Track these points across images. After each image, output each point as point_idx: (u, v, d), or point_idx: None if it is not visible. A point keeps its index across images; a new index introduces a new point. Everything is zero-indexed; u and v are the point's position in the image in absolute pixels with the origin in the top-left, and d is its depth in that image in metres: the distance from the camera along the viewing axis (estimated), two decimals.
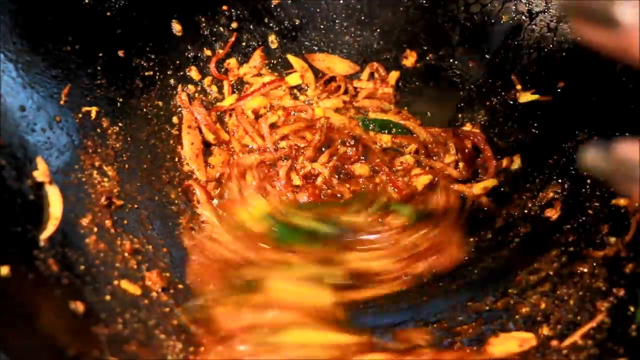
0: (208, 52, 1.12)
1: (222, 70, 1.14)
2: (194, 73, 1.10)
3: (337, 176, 1.07)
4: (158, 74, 1.06)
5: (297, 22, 1.17)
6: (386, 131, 1.12)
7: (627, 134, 0.94)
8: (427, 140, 1.11)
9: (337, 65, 1.18)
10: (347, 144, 1.09)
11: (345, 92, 1.18)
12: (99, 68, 0.97)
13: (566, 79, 1.06)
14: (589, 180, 0.99)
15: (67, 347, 0.67)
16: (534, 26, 1.09)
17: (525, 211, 1.03)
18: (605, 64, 0.98)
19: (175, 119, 1.07)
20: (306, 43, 1.19)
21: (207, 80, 1.12)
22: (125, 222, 0.91)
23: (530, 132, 1.09)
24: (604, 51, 0.38)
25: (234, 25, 1.14)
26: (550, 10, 1.07)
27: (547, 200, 1.02)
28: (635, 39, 0.37)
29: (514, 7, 1.09)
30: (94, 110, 0.94)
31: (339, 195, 1.05)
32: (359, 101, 1.17)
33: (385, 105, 1.16)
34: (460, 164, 1.11)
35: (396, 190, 1.06)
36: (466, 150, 1.11)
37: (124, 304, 0.79)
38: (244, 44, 1.15)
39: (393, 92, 1.17)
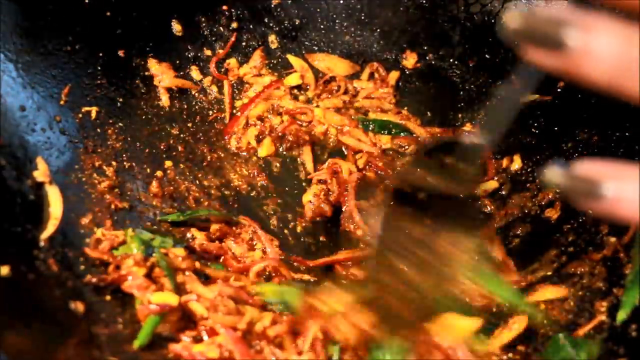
0: (208, 52, 1.12)
1: (222, 70, 1.14)
2: (194, 73, 1.11)
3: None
4: None
5: (297, 22, 1.17)
6: (386, 131, 1.12)
7: (627, 134, 0.95)
8: (427, 141, 1.11)
9: (337, 65, 1.18)
10: None
11: (346, 92, 1.18)
12: (99, 68, 0.97)
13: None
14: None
15: (67, 347, 0.67)
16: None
17: (525, 211, 1.03)
18: None
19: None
20: (306, 43, 1.19)
21: (207, 80, 1.12)
22: (126, 222, 0.91)
23: (530, 132, 1.09)
24: (556, 73, 0.40)
25: (234, 25, 1.14)
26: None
27: (547, 200, 1.02)
28: (583, 61, 0.38)
29: (514, 7, 1.09)
30: (94, 110, 0.94)
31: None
32: (359, 101, 1.17)
33: (385, 105, 1.16)
34: None
35: None
36: None
37: (124, 304, 0.79)
38: (244, 44, 1.15)
39: (393, 92, 1.17)
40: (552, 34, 0.39)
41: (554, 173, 0.42)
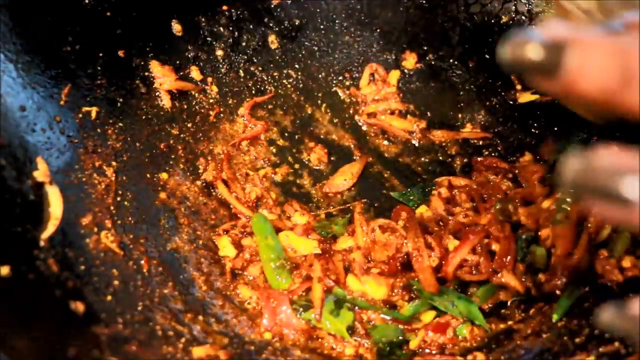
0: (209, 52, 1.12)
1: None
2: (194, 73, 1.10)
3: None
4: None
5: (297, 22, 1.17)
6: None
7: (627, 134, 0.95)
8: None
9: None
10: None
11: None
12: (99, 68, 0.97)
13: None
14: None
15: (67, 347, 0.67)
16: (533, 26, 1.09)
17: None
18: None
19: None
20: (306, 43, 1.19)
21: (208, 80, 1.12)
22: (126, 222, 0.91)
23: (530, 132, 1.09)
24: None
25: (234, 25, 1.14)
26: (551, 11, 1.07)
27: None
28: None
29: (513, 7, 1.10)
30: (94, 110, 0.94)
31: None
32: (369, 105, 1.16)
33: (392, 104, 1.16)
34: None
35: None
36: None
37: (124, 304, 0.79)
38: (244, 44, 1.15)
39: (396, 90, 1.17)
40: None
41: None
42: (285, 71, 1.18)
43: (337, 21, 1.18)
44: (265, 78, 1.17)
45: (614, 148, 0.36)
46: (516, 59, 0.37)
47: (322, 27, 1.18)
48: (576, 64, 0.35)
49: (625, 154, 0.35)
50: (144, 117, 1.03)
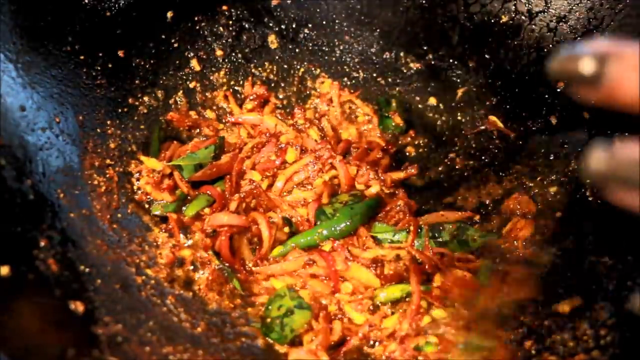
0: (209, 52, 1.13)
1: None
2: (194, 63, 1.10)
3: None
4: (158, 74, 1.06)
5: (297, 22, 1.17)
6: None
7: (626, 134, 0.95)
8: None
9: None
10: None
11: None
12: (99, 68, 0.97)
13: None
14: (588, 180, 0.99)
15: (67, 347, 0.67)
16: (533, 26, 1.09)
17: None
18: None
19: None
20: (306, 43, 1.19)
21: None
22: (125, 221, 0.91)
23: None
24: None
25: (234, 25, 1.14)
26: (550, 10, 1.07)
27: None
28: None
29: (513, 7, 1.10)
30: (93, 111, 0.94)
31: None
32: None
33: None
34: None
35: None
36: None
37: (124, 304, 0.79)
38: (244, 44, 1.16)
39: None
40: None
41: (598, 159, 0.42)
42: (285, 71, 1.18)
43: (337, 21, 1.18)
44: (265, 78, 1.17)
45: (635, 141, 0.40)
46: (567, 71, 0.42)
47: (322, 27, 1.18)
48: (617, 74, 0.40)
49: None
50: (144, 117, 1.03)
